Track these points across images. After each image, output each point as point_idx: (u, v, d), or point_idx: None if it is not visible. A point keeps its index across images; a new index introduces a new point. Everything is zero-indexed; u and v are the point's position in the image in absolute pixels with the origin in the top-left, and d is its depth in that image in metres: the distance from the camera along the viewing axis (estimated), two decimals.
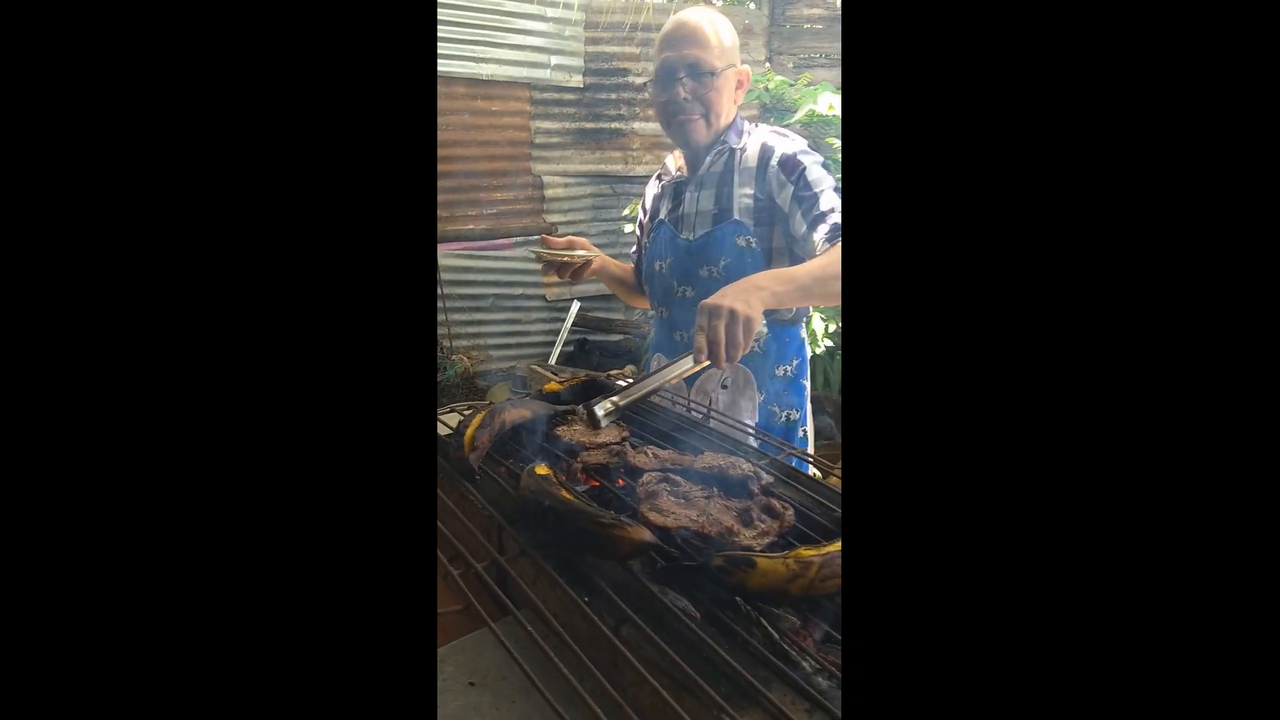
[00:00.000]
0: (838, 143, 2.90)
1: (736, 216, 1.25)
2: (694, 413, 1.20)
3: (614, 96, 4.22)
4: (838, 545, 0.64)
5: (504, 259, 4.17)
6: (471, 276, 4.12)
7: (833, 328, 2.52)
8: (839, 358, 2.72)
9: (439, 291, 3.84)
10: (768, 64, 3.86)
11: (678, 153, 1.40)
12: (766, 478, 0.83)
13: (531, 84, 4.06)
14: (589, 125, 4.22)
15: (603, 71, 4.17)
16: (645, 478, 0.81)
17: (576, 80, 4.12)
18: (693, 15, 1.25)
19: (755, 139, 1.28)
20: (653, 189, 1.49)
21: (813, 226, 1.15)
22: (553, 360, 3.96)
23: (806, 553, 0.62)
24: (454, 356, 3.91)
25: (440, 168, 3.67)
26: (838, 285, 1.04)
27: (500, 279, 4.20)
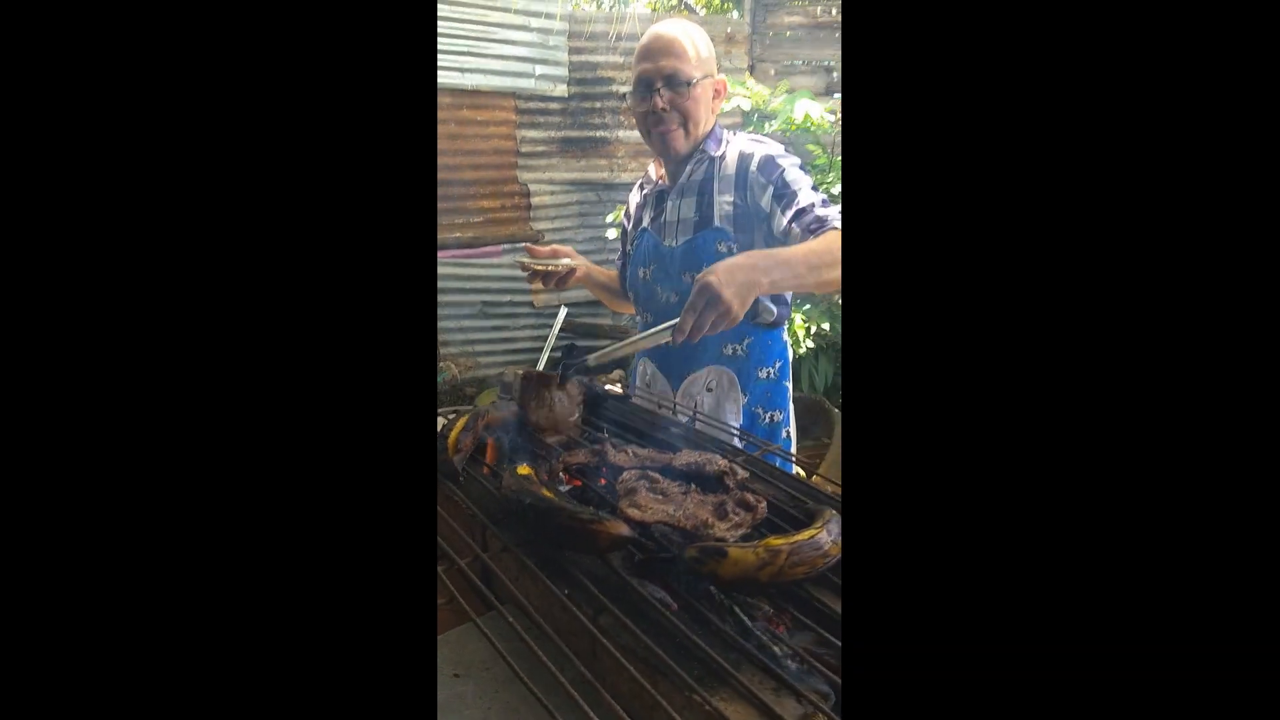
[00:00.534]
0: (817, 149, 2.95)
1: (717, 223, 1.28)
2: (680, 416, 1.23)
3: (598, 105, 4.25)
4: (806, 534, 0.67)
5: (491, 266, 4.19)
6: (459, 284, 4.14)
7: (814, 329, 2.56)
8: (823, 359, 2.76)
9: None
10: (747, 73, 3.91)
11: (659, 161, 1.42)
12: (742, 473, 0.86)
13: (517, 94, 4.09)
14: (574, 134, 4.25)
15: (587, 81, 4.20)
16: (624, 475, 0.83)
17: (561, 90, 4.16)
18: (669, 27, 1.28)
19: (734, 147, 1.31)
20: (635, 197, 1.51)
21: (793, 221, 1.18)
22: (540, 366, 3.97)
23: (775, 541, 0.65)
24: (442, 364, 3.92)
25: None
26: (829, 273, 1.04)
27: (488, 286, 4.22)
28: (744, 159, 1.27)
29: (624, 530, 0.68)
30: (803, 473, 1.09)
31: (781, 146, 1.30)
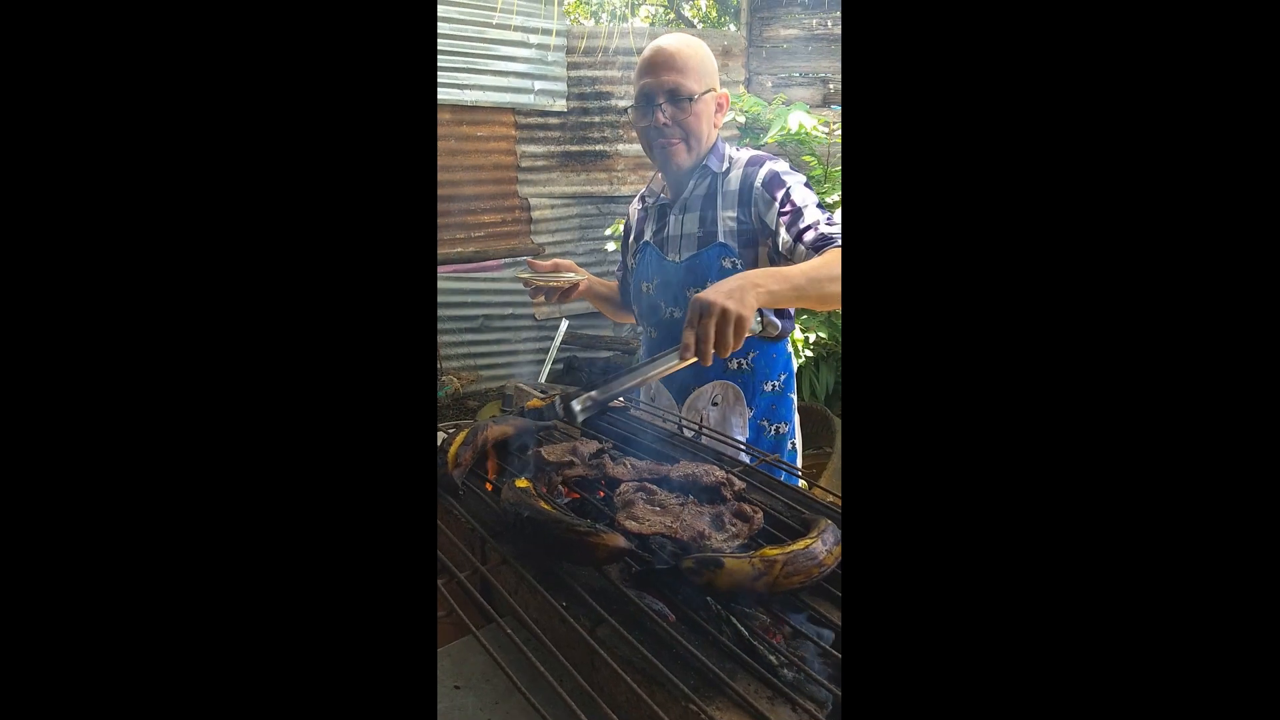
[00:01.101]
0: (813, 160, 2.97)
1: (721, 239, 1.28)
2: (686, 430, 1.23)
3: (598, 119, 4.29)
4: (801, 544, 0.67)
5: (493, 280, 4.21)
6: (461, 298, 4.16)
7: (813, 338, 2.57)
8: (824, 368, 2.77)
9: None
10: (742, 86, 3.95)
11: (661, 174, 1.43)
12: (739, 483, 0.87)
13: (516, 109, 4.13)
14: (574, 148, 4.29)
15: (586, 95, 4.25)
16: (622, 487, 0.84)
17: (560, 104, 4.20)
18: (670, 41, 1.28)
19: (738, 162, 1.31)
20: (636, 208, 1.51)
21: (798, 238, 1.18)
22: (542, 378, 3.99)
23: (771, 552, 0.66)
24: (444, 378, 3.94)
25: None
26: (832, 287, 1.04)
27: (489, 299, 4.24)
28: (748, 175, 1.28)
29: (621, 542, 0.69)
30: (805, 483, 1.10)
31: (786, 163, 1.30)
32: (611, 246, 3.44)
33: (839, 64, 4.28)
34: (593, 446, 0.99)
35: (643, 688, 0.56)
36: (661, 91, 1.26)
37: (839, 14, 4.18)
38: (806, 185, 1.26)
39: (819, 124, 2.59)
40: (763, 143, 2.79)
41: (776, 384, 1.36)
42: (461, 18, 3.86)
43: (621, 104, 4.20)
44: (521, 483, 0.78)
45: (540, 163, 4.25)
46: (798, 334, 2.56)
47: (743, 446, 1.17)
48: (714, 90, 1.30)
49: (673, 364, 0.99)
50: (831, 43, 4.26)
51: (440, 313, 4.02)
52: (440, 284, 4.04)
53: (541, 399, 1.15)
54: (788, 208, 1.21)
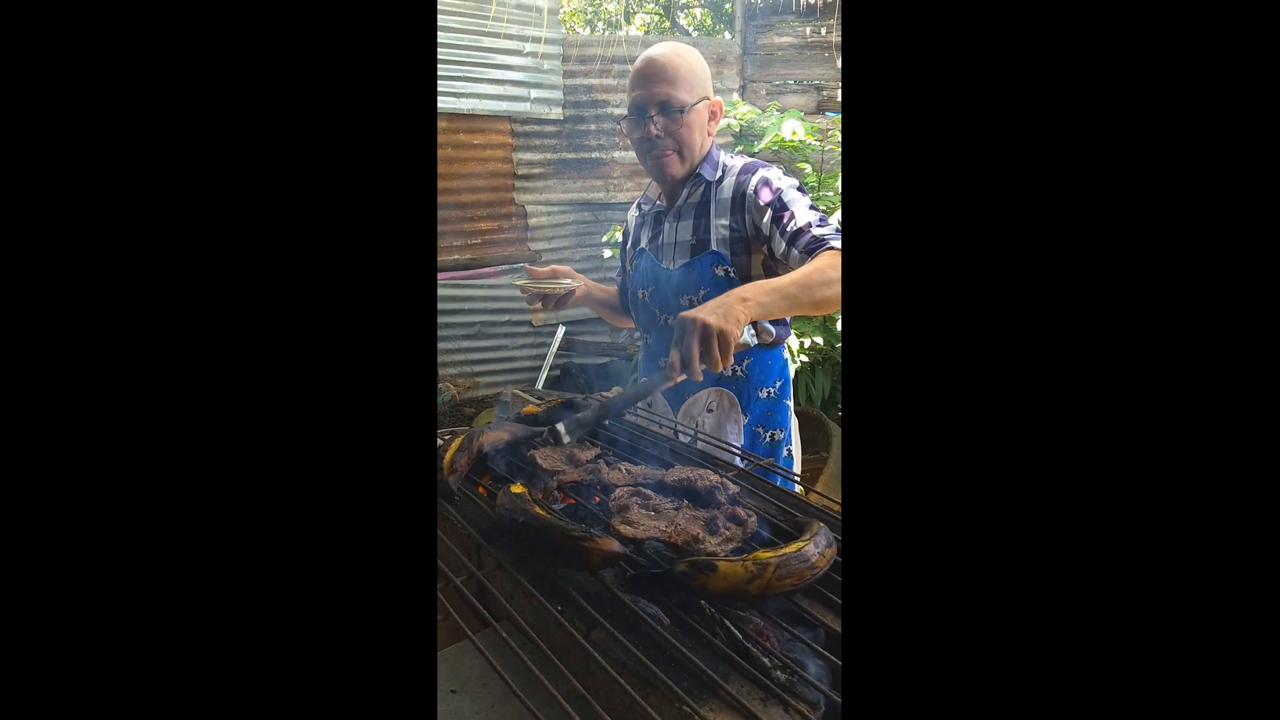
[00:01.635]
0: (808, 167, 2.99)
1: (714, 247, 1.29)
2: (682, 436, 1.24)
3: (593, 127, 4.32)
4: (794, 546, 0.68)
5: (489, 287, 4.22)
6: (458, 305, 4.17)
7: (809, 343, 2.58)
8: (819, 373, 2.78)
9: None
10: (735, 94, 3.97)
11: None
12: (733, 487, 0.87)
13: (512, 117, 4.16)
14: (570, 155, 4.31)
15: (582, 103, 4.27)
16: (617, 492, 0.85)
17: (556, 112, 4.22)
18: (661, 51, 1.28)
19: (732, 170, 1.31)
20: (634, 215, 1.52)
21: (791, 242, 1.18)
22: (539, 385, 3.99)
23: (764, 555, 0.66)
24: (441, 385, 3.94)
25: None
26: (824, 291, 1.04)
27: (486, 306, 4.25)
28: (741, 183, 1.28)
29: (615, 547, 0.69)
30: (800, 488, 1.10)
31: (779, 169, 1.31)
32: (608, 253, 3.45)
33: (833, 71, 4.32)
34: (589, 452, 1.00)
35: (637, 690, 0.57)
36: (653, 103, 1.26)
37: (833, 21, 4.22)
38: (799, 188, 1.26)
39: (811, 132, 2.61)
40: (757, 150, 2.81)
41: (771, 390, 1.36)
42: (457, 27, 3.89)
43: (618, 111, 4.23)
44: (517, 488, 0.78)
45: (537, 170, 4.27)
46: (793, 340, 2.57)
47: (738, 451, 1.18)
48: (707, 99, 1.30)
49: (657, 384, 1.00)
50: (825, 50, 4.30)
51: (438, 320, 4.03)
52: (438, 291, 4.05)
53: (537, 405, 1.15)
54: (781, 213, 1.21)
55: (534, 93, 4.16)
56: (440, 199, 3.94)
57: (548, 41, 4.07)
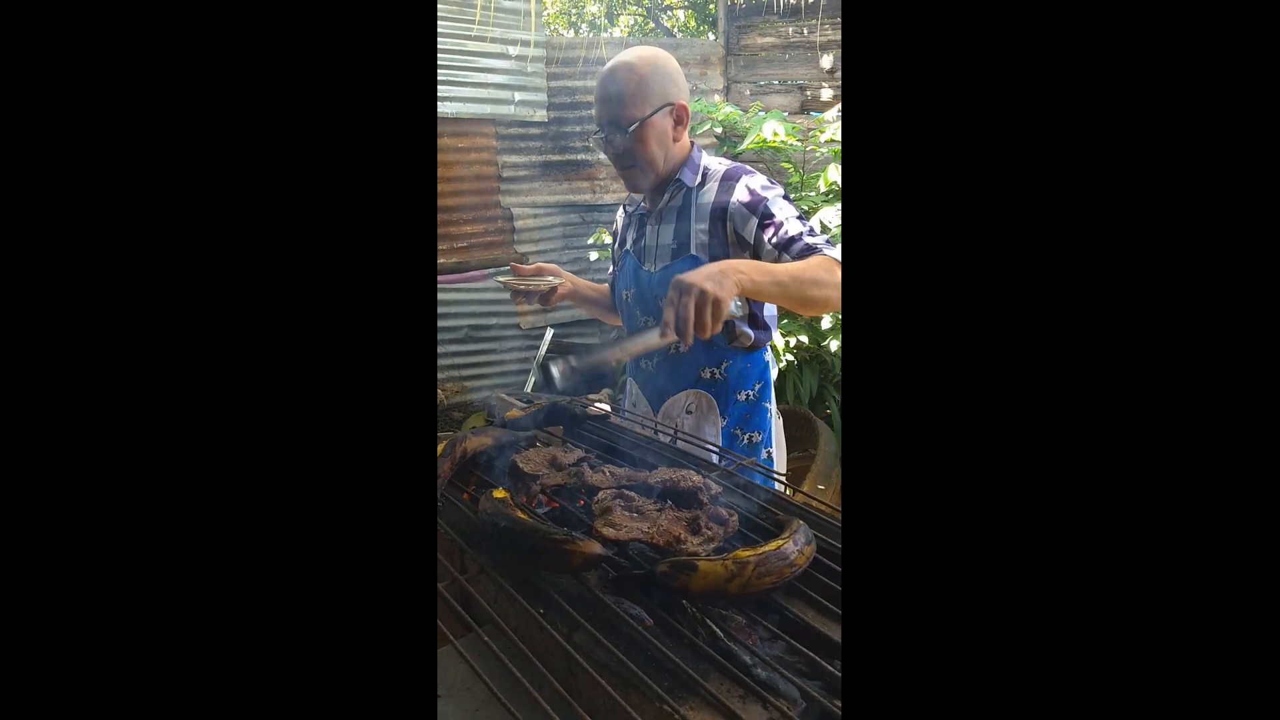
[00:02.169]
0: (790, 167, 3.01)
1: (694, 252, 1.29)
2: (662, 435, 1.24)
3: (578, 129, 4.31)
4: (773, 545, 0.69)
5: (476, 290, 4.21)
6: (445, 309, 4.16)
7: (794, 342, 2.60)
8: (806, 371, 2.79)
9: None
10: (717, 95, 3.98)
11: None
12: (715, 488, 0.88)
13: (496, 120, 4.15)
14: (555, 158, 4.31)
15: (566, 105, 4.27)
16: (600, 494, 0.85)
17: (541, 115, 4.22)
18: (612, 67, 1.27)
19: (714, 175, 1.31)
20: (621, 216, 1.54)
21: (782, 249, 1.19)
22: (528, 388, 3.99)
23: (744, 554, 0.67)
24: None
25: None
26: (814, 291, 1.06)
27: (474, 310, 4.24)
28: (723, 189, 1.28)
29: (597, 549, 0.70)
30: (781, 486, 1.11)
31: (764, 176, 1.31)
32: (595, 255, 3.46)
33: (816, 71, 4.34)
34: (572, 455, 1.00)
35: (618, 691, 0.57)
36: (606, 123, 1.27)
37: (815, 22, 4.25)
38: (785, 198, 1.27)
39: (793, 132, 2.63)
40: (739, 151, 2.82)
41: (751, 393, 1.37)
42: (441, 30, 3.88)
43: None
44: (499, 493, 0.79)
45: (522, 173, 4.27)
46: (778, 339, 2.59)
47: (717, 450, 1.18)
48: (669, 105, 1.28)
49: (652, 340, 1.00)
50: (808, 50, 4.32)
51: None
52: None
53: (522, 410, 1.16)
54: (768, 222, 1.22)
55: (518, 95, 4.15)
56: None
57: (532, 44, 4.06)
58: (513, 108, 4.14)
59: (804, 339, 2.60)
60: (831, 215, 2.37)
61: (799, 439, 2.65)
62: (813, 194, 2.77)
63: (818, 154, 2.78)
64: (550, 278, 1.42)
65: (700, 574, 0.65)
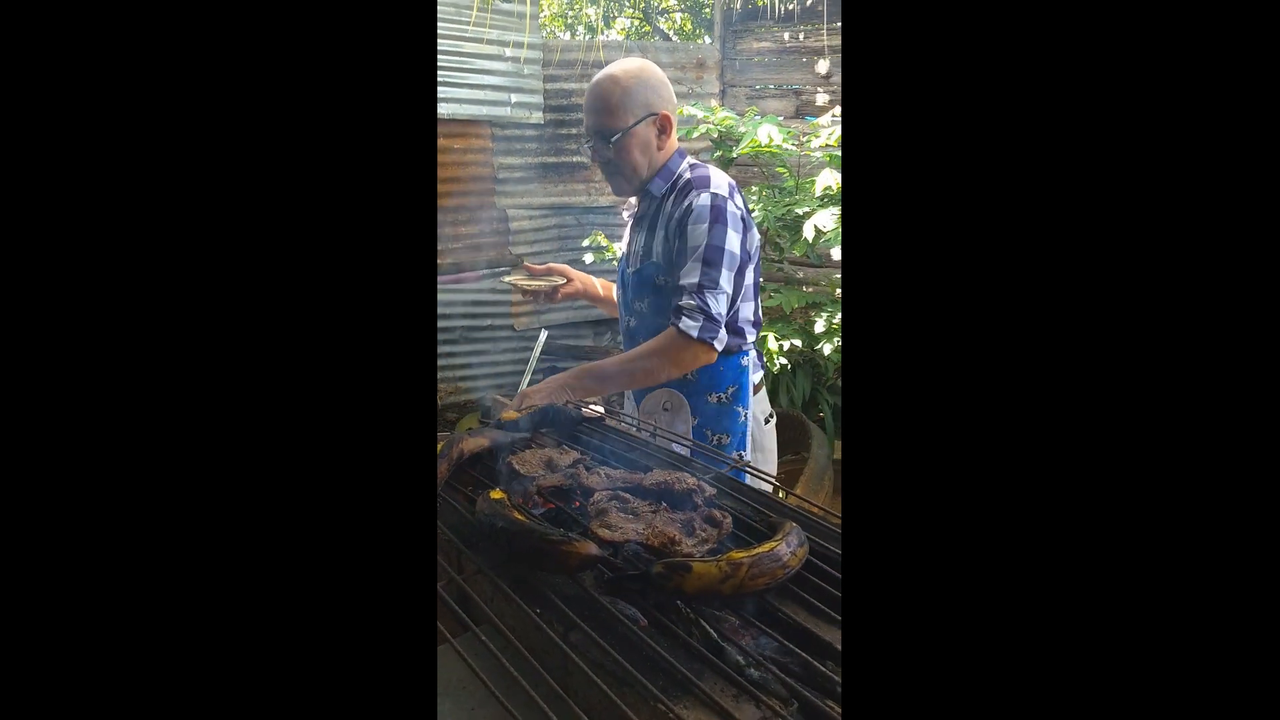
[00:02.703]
0: (785, 171, 3.03)
1: (656, 258, 1.37)
2: (642, 431, 1.27)
3: (574, 131, 4.32)
4: (766, 546, 0.70)
5: (471, 291, 4.21)
6: (440, 310, 4.16)
7: (788, 345, 2.61)
8: (799, 374, 2.81)
9: None
10: (713, 99, 4.00)
11: None
12: (709, 490, 0.89)
13: (492, 121, 4.15)
14: (551, 159, 4.31)
15: (562, 108, 4.27)
16: (596, 496, 0.86)
17: (537, 117, 4.22)
18: (598, 78, 1.33)
19: (680, 185, 1.35)
20: (626, 216, 1.60)
21: (676, 290, 1.29)
22: (522, 388, 3.98)
23: (737, 555, 0.68)
24: None
25: None
26: (642, 364, 1.28)
27: (468, 311, 4.23)
28: (685, 199, 1.31)
29: (592, 550, 0.71)
30: (770, 486, 1.13)
31: (728, 191, 1.32)
32: (589, 258, 3.47)
33: (811, 76, 4.37)
34: (568, 457, 1.01)
35: (614, 690, 0.58)
36: (591, 134, 1.34)
37: (811, 27, 4.27)
38: (720, 246, 1.28)
39: (788, 137, 2.65)
40: (735, 155, 2.84)
41: (723, 396, 1.41)
42: (437, 32, 3.88)
43: None
44: (496, 494, 0.79)
45: (518, 174, 4.27)
46: (772, 342, 2.60)
47: (689, 443, 1.21)
48: (652, 115, 1.32)
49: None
50: (804, 55, 4.34)
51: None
52: None
53: (516, 411, 1.17)
54: (699, 256, 1.27)
55: (514, 97, 4.15)
56: None
57: (528, 46, 4.07)
58: (509, 109, 4.15)
59: (798, 343, 2.62)
60: (826, 219, 2.39)
61: (792, 442, 2.66)
62: (807, 198, 2.79)
63: (812, 159, 2.80)
64: (555, 277, 1.49)
65: (694, 575, 0.66)
